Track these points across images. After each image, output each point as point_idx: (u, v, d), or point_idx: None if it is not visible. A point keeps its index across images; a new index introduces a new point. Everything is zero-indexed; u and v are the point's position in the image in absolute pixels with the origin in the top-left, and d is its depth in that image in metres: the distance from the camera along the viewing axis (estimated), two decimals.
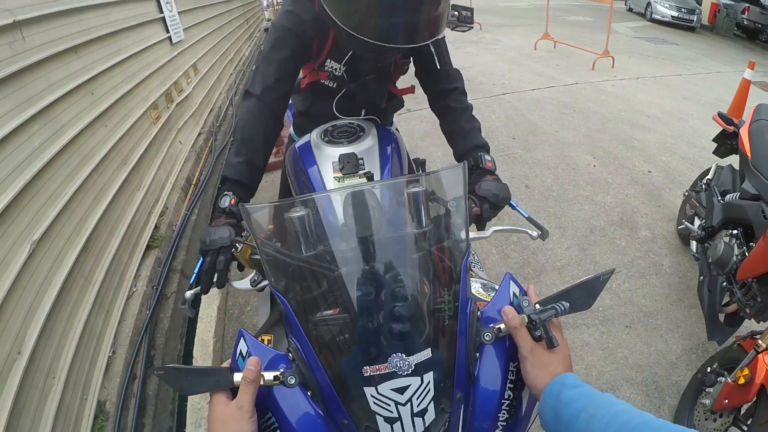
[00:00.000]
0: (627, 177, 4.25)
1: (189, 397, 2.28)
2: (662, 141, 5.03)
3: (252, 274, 1.10)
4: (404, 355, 0.77)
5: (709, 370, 1.99)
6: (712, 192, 2.74)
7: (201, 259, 1.15)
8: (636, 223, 3.56)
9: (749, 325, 2.37)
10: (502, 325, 0.83)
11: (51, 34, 2.68)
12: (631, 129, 5.32)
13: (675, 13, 13.59)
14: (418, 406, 0.76)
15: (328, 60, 1.66)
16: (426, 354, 0.78)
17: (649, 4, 14.59)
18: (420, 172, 1.11)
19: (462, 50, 9.32)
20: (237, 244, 1.10)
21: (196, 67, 5.66)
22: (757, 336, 1.79)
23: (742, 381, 1.72)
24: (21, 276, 1.95)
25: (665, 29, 13.20)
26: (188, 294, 1.11)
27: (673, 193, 3.96)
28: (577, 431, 0.69)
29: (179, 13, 5.35)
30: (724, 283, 2.34)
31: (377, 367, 0.76)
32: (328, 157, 1.53)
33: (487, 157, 1.49)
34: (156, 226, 3.30)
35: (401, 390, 0.76)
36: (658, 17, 14.06)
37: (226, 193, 1.37)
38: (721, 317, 2.38)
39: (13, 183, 2.05)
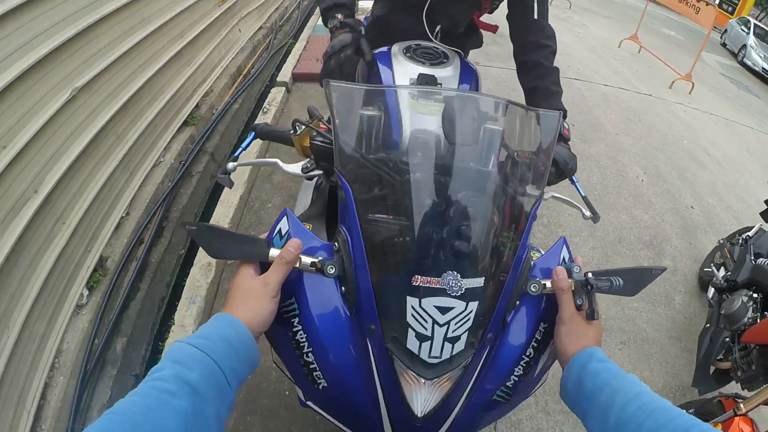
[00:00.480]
0: (670, 204, 4.14)
1: (190, 273, 2.31)
2: (714, 183, 4.86)
3: (305, 161, 1.04)
4: (458, 276, 0.73)
5: None
6: (748, 250, 2.71)
7: (251, 135, 1.11)
8: (663, 251, 3.50)
9: (732, 387, 2.37)
10: (548, 283, 0.81)
11: None
12: (688, 160, 5.13)
13: (766, 65, 12.81)
14: (453, 331, 0.73)
15: None
16: (478, 282, 0.75)
17: (744, 46, 13.69)
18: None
19: None
20: (297, 127, 1.03)
21: None
22: (740, 400, 1.78)
23: None
24: (55, 118, 1.95)
25: (752, 78, 12.44)
26: (230, 165, 1.07)
27: (707, 236, 3.86)
28: (598, 403, 0.69)
29: None
30: (727, 339, 2.35)
31: (428, 279, 0.73)
32: (407, 72, 1.45)
33: (566, 125, 1.38)
34: (197, 105, 3.29)
35: (443, 310, 0.73)
36: (749, 63, 13.18)
37: (332, 16, 1.40)
38: (712, 370, 2.39)
39: (67, 27, 2.02)
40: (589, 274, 0.80)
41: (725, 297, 2.57)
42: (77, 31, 2.05)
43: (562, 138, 1.37)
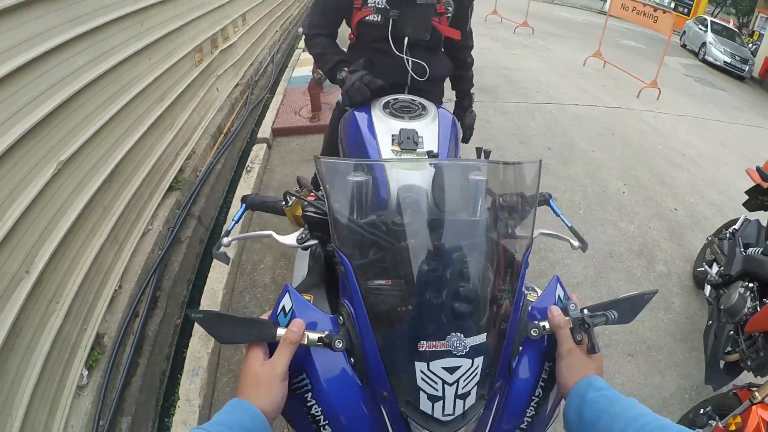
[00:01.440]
0: (653, 210, 4.20)
1: (189, 345, 2.28)
2: (693, 182, 4.95)
3: (300, 231, 1.07)
4: (462, 336, 0.75)
5: (701, 412, 1.98)
6: (736, 242, 2.74)
7: (243, 207, 1.14)
8: (654, 257, 3.53)
9: (745, 377, 2.36)
10: (547, 324, 0.84)
11: None
12: (665, 164, 5.23)
13: (728, 59, 13.23)
14: (463, 388, 0.75)
15: None
16: (481, 338, 0.77)
17: (704, 44, 14.23)
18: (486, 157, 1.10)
19: (511, 51, 9.18)
20: (288, 198, 1.07)
21: (245, 18, 5.65)
22: (755, 389, 1.79)
23: (732, 428, 1.72)
24: (42, 195, 1.94)
25: (715, 73, 12.88)
26: (225, 240, 1.08)
27: (695, 235, 3.91)
28: (598, 431, 0.70)
29: None
30: (731, 332, 2.35)
31: (434, 343, 0.75)
32: (388, 129, 1.52)
33: (474, 99, 2.34)
34: (181, 169, 3.31)
35: (451, 370, 0.75)
36: (710, 59, 13.69)
37: (339, 70, 1.86)
38: (722, 364, 2.38)
39: (49, 99, 2.04)
40: (585, 311, 0.83)
41: (722, 292, 2.58)
42: (59, 102, 2.07)
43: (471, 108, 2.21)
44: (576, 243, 1.21)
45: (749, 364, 2.13)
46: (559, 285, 0.96)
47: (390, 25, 1.81)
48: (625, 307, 0.86)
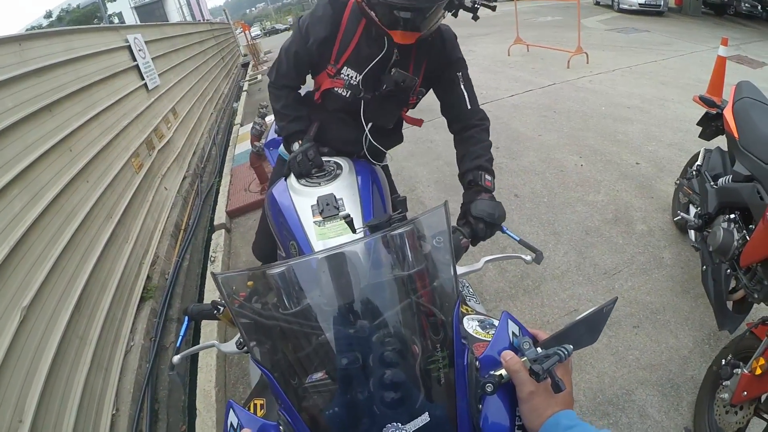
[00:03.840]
0: (616, 172, 4.21)
1: None
2: (646, 130, 5.01)
3: (237, 336, 1.06)
4: (400, 425, 0.72)
5: (723, 362, 1.91)
6: (704, 178, 2.67)
7: (186, 319, 1.12)
8: (631, 219, 3.51)
9: (758, 309, 2.33)
10: (503, 371, 0.78)
11: (23, 95, 2.69)
12: (613, 123, 5.31)
13: (642, 0, 13.73)
14: None
15: (345, 67, 1.68)
16: (424, 419, 0.73)
17: None
18: (399, 212, 1.06)
19: None
20: (219, 307, 1.07)
21: (176, 111, 5.68)
22: None
23: (759, 372, 1.66)
24: (15, 344, 1.93)
25: (635, 18, 13.33)
26: (175, 359, 1.06)
27: (664, 181, 3.92)
28: None
29: (153, 58, 5.39)
30: (728, 270, 2.28)
31: None
32: (307, 200, 1.49)
33: (488, 177, 1.58)
34: (148, 277, 3.26)
35: None
36: (625, 7, 14.20)
37: (292, 142, 1.78)
38: (730, 305, 2.31)
39: None
40: (539, 349, 0.78)
41: (706, 233, 2.51)
42: (7, 252, 2.06)
43: (484, 189, 1.49)
44: (528, 257, 1.18)
45: (756, 296, 2.07)
46: (510, 321, 0.90)
47: (357, 105, 1.75)
48: (583, 330, 0.82)
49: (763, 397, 1.74)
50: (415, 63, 1.68)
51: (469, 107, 1.72)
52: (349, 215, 1.13)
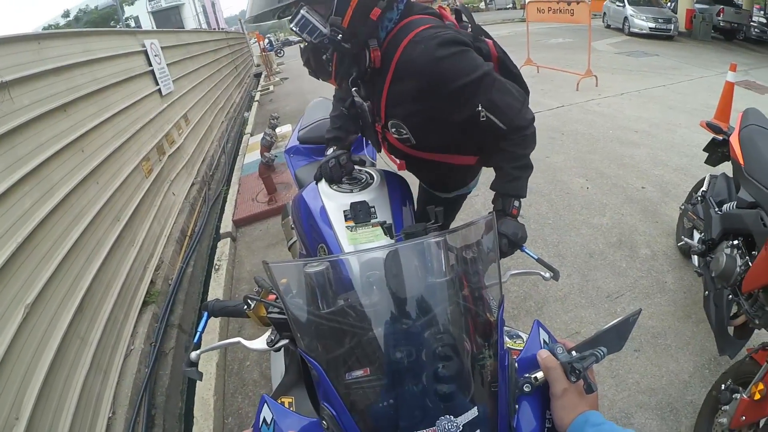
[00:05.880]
0: (621, 196, 4.23)
1: None
2: (653, 155, 5.03)
3: (267, 333, 1.04)
4: (452, 417, 0.73)
5: (723, 387, 1.92)
6: (709, 203, 2.67)
7: (205, 315, 1.11)
8: (635, 243, 3.53)
9: (759, 335, 2.31)
10: (539, 374, 0.82)
11: (39, 93, 2.74)
12: (620, 146, 5.33)
13: (652, 25, 13.89)
14: None
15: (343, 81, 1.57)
16: (473, 413, 0.75)
17: (626, 18, 14.92)
18: (434, 222, 1.07)
19: None
20: (250, 301, 1.05)
21: (187, 118, 5.74)
22: None
23: (758, 396, 1.66)
24: (16, 340, 1.93)
25: (645, 41, 13.44)
26: (193, 355, 1.05)
27: (669, 206, 3.93)
28: None
29: (168, 65, 5.47)
30: (730, 296, 2.27)
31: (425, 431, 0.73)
32: (339, 205, 1.49)
33: (516, 204, 1.47)
34: (152, 281, 3.27)
35: None
36: (636, 30, 14.37)
37: (330, 146, 1.79)
38: (731, 330, 2.30)
39: (4, 246, 2.05)
40: (573, 353, 0.82)
41: (709, 258, 2.50)
42: (15, 247, 2.08)
43: (509, 214, 1.46)
44: (547, 274, 1.21)
45: (757, 322, 2.07)
46: (541, 329, 0.94)
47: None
48: (611, 337, 0.85)
49: (762, 422, 1.73)
50: (387, 85, 1.43)
51: (505, 128, 1.38)
52: (386, 221, 1.14)
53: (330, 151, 1.75)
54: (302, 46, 1.44)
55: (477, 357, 0.83)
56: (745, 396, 1.73)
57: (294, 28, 1.26)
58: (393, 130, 1.52)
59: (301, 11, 1.24)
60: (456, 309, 0.88)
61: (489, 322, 0.89)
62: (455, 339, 0.83)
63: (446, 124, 1.44)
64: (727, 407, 1.84)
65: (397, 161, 1.73)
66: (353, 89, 1.52)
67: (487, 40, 1.50)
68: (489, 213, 0.93)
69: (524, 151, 1.48)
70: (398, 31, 1.34)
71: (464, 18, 1.54)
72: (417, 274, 0.89)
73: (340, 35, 1.28)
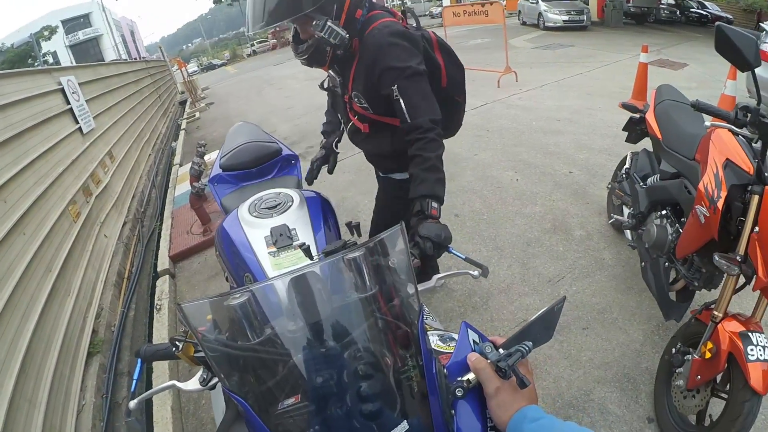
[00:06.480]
0: (551, 183, 4.33)
1: None
2: (577, 140, 5.25)
3: (200, 373, 1.01)
4: None
5: (674, 351, 2.00)
6: (633, 179, 2.81)
7: (139, 362, 1.08)
8: (569, 225, 3.62)
9: (700, 296, 2.45)
10: (470, 376, 0.82)
11: None
12: (545, 136, 5.54)
13: (565, 17, 14.69)
14: None
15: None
16: (403, 427, 0.75)
17: (540, 14, 15.68)
18: (355, 236, 1.09)
19: None
20: (177, 343, 1.01)
21: (112, 154, 5.50)
22: (712, 306, 1.83)
23: (708, 355, 1.74)
24: None
25: (560, 34, 14.08)
26: (132, 404, 1.02)
27: (597, 187, 4.10)
28: None
29: (87, 101, 5.22)
30: (666, 263, 2.39)
31: None
32: (259, 231, 1.50)
33: (434, 204, 1.59)
34: (94, 330, 3.10)
35: None
36: (551, 25, 15.14)
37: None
38: (673, 296, 2.41)
39: None
40: (501, 350, 0.83)
41: (641, 231, 2.61)
42: None
43: (430, 216, 1.52)
44: (475, 272, 1.22)
45: (696, 284, 2.17)
46: (470, 330, 0.94)
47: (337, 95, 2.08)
48: (538, 328, 0.87)
49: (718, 378, 1.81)
50: (354, 64, 1.83)
51: (408, 121, 1.66)
52: (305, 243, 1.14)
53: (321, 140, 2.41)
54: (306, 44, 1.74)
55: (401, 370, 0.83)
56: (696, 356, 1.80)
57: (324, 35, 1.63)
58: (356, 99, 1.89)
59: (328, 23, 1.62)
60: (374, 325, 0.88)
61: (410, 333, 0.88)
62: (376, 356, 0.83)
63: (383, 97, 1.75)
64: (681, 369, 1.93)
65: (362, 126, 2.02)
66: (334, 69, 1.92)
67: (429, 31, 1.97)
68: (398, 224, 0.92)
69: (429, 154, 1.65)
70: (365, 22, 1.74)
71: (408, 17, 1.91)
72: (331, 294, 0.89)
73: (348, 35, 1.67)
